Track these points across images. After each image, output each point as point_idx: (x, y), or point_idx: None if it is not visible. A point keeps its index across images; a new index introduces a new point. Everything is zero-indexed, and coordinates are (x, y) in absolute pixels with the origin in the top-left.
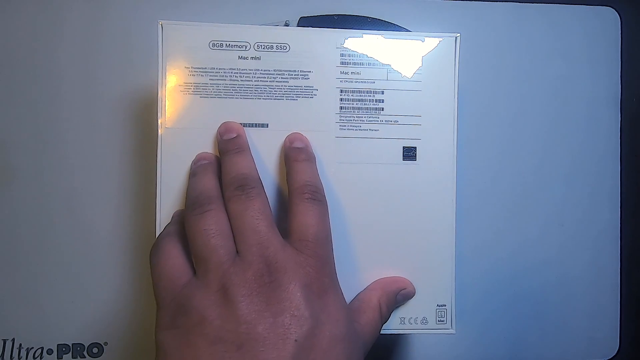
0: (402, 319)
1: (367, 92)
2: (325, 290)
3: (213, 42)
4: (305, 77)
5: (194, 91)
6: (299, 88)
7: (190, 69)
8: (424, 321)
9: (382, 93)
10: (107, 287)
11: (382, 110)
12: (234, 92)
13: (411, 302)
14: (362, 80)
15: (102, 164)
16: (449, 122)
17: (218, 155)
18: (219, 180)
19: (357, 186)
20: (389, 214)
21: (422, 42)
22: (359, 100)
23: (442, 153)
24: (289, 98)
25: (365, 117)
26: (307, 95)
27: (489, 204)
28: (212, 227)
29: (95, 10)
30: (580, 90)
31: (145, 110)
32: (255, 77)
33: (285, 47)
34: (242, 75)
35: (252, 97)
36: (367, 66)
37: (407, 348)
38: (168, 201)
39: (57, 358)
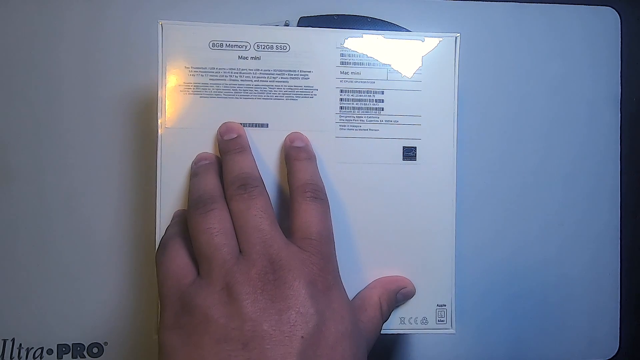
0: (402, 318)
1: (367, 92)
2: (329, 287)
3: (213, 42)
4: (305, 77)
5: (194, 91)
6: (299, 88)
7: (190, 69)
8: (424, 321)
9: (382, 93)
10: (107, 287)
11: (382, 110)
12: (234, 92)
13: (411, 302)
14: (362, 80)
15: (102, 164)
16: (449, 122)
17: (218, 155)
18: (220, 180)
19: (357, 186)
20: (389, 214)
21: (422, 42)
22: (359, 100)
23: (442, 153)
24: (289, 98)
25: (365, 117)
26: (307, 95)
27: (489, 204)
28: (216, 226)
29: (95, 10)
30: (580, 90)
31: (145, 110)
32: (255, 77)
33: (285, 47)
34: (242, 75)
35: (252, 97)
36: (367, 66)
37: (407, 348)
38: (168, 201)
39: (57, 358)
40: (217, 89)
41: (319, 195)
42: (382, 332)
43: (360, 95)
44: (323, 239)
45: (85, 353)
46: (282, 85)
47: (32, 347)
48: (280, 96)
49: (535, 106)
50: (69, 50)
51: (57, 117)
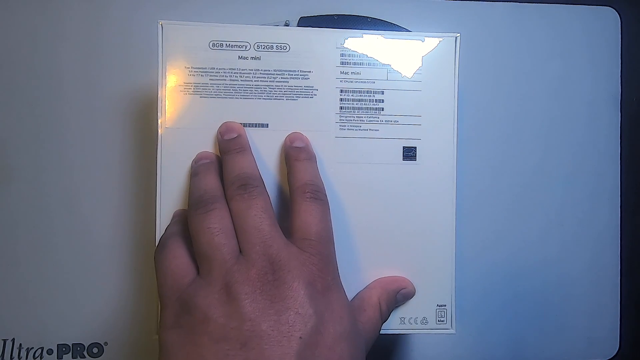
0: (402, 318)
1: (367, 92)
2: (328, 288)
3: (213, 42)
4: (305, 77)
5: (194, 91)
6: (299, 88)
7: (190, 69)
8: (424, 321)
9: (382, 93)
10: (107, 287)
11: (382, 110)
12: (234, 92)
13: (411, 302)
14: (362, 80)
15: (102, 164)
16: (449, 122)
17: (218, 154)
18: (220, 179)
19: (357, 186)
20: (389, 214)
21: (422, 42)
22: (359, 100)
23: (442, 153)
24: (289, 98)
25: (365, 117)
26: (307, 95)
27: (489, 204)
28: (216, 226)
29: (95, 10)
30: (580, 90)
31: (145, 110)
32: (255, 77)
33: (285, 47)
34: (242, 75)
35: (252, 97)
36: (367, 66)
37: (407, 348)
38: (168, 201)
39: (57, 358)
40: (217, 89)
41: (319, 196)
42: (382, 332)
43: (360, 95)
44: (322, 239)
45: (85, 353)
46: (282, 85)
47: (32, 347)
48: (280, 96)
49: (535, 106)
50: (69, 50)
51: (57, 117)
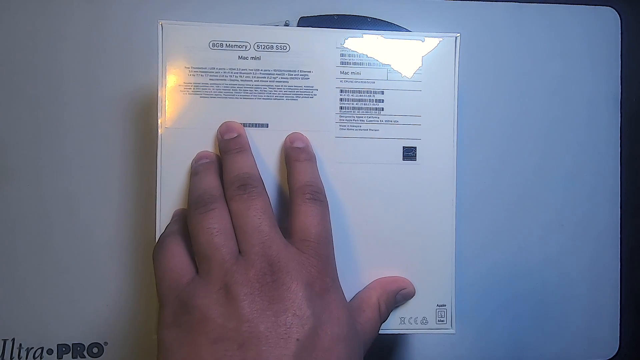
0: (402, 318)
1: (367, 92)
2: (326, 290)
3: (213, 42)
4: (305, 77)
5: (194, 91)
6: (299, 88)
7: (190, 69)
8: (424, 321)
9: (382, 93)
10: (107, 287)
11: (382, 110)
12: (234, 92)
13: (411, 302)
14: (362, 80)
15: (102, 164)
16: (449, 122)
17: (218, 154)
18: (220, 179)
19: (357, 186)
20: (388, 214)
21: (422, 42)
22: (359, 100)
23: (442, 153)
24: (289, 98)
25: (365, 117)
26: (307, 95)
27: (489, 204)
28: (215, 226)
29: (95, 10)
30: (580, 90)
31: (145, 110)
32: (255, 77)
33: (285, 47)
34: (242, 75)
35: (252, 97)
36: (367, 66)
37: (407, 348)
38: (168, 201)
39: (57, 358)
40: (217, 89)
41: (319, 197)
42: (382, 332)
43: (360, 95)
44: (322, 241)
45: (85, 353)
46: (282, 85)
47: (32, 347)
48: (280, 96)
49: (535, 106)
50: (69, 50)
51: (57, 117)
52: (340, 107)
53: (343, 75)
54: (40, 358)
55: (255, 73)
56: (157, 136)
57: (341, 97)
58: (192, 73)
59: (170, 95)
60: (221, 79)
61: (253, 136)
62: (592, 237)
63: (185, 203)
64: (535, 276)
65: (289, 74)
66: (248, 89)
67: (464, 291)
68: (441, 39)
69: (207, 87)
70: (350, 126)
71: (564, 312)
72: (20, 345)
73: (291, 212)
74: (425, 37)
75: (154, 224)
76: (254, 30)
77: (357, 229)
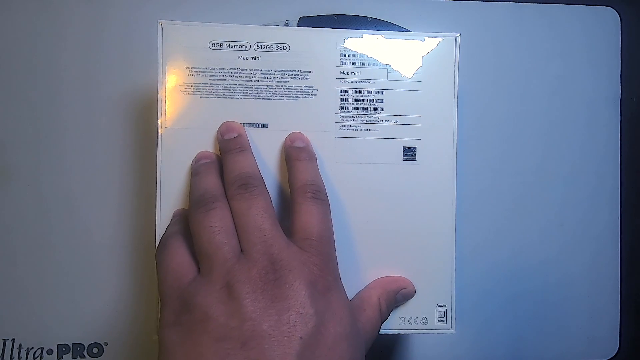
0: (402, 318)
1: (367, 92)
2: (329, 288)
3: (213, 42)
4: (305, 77)
5: (194, 91)
6: (299, 88)
7: (190, 69)
8: (424, 321)
9: (382, 93)
10: (107, 287)
11: (382, 110)
12: (234, 92)
13: (411, 302)
14: (362, 80)
15: (101, 164)
16: (449, 122)
17: (219, 154)
18: (221, 179)
19: (357, 186)
20: (389, 214)
21: (422, 42)
22: (359, 100)
23: (442, 153)
24: (289, 98)
25: (365, 117)
26: (307, 95)
27: (489, 204)
28: (217, 225)
29: (95, 10)
30: (580, 90)
31: (145, 110)
32: (255, 77)
33: (285, 47)
34: (242, 75)
35: (252, 97)
36: (367, 66)
37: (407, 348)
38: (168, 201)
39: (57, 358)
40: (217, 89)
41: (320, 196)
42: (382, 332)
43: (360, 95)
44: (324, 239)
45: (85, 353)
46: (282, 85)
47: (32, 347)
48: (280, 96)
49: (535, 106)
50: (69, 50)
51: (57, 117)
52: (340, 107)
53: (343, 75)
54: (40, 358)
55: (255, 73)
56: (157, 136)
57: (341, 97)
58: (192, 73)
59: (170, 95)
60: (221, 79)
61: (253, 136)
62: (592, 237)
63: (185, 203)
64: (535, 276)
65: (289, 74)
66: (248, 89)
67: (464, 291)
68: (441, 39)
69: (207, 87)
70: (350, 126)
71: (564, 312)
72: (20, 345)
73: (293, 211)
74: (425, 37)
75: (154, 224)
76: (254, 30)
77: (357, 229)
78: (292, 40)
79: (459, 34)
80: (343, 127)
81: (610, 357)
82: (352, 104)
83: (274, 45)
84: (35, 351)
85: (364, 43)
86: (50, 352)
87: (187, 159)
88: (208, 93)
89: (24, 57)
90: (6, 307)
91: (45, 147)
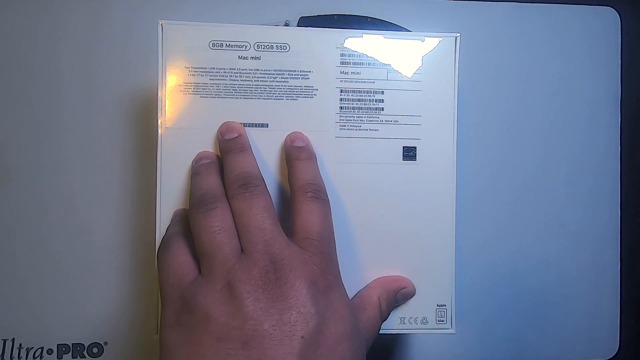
0: (402, 318)
1: (367, 92)
2: (330, 288)
3: (213, 42)
4: (305, 77)
5: (194, 91)
6: (299, 88)
7: (190, 69)
8: (424, 321)
9: (382, 93)
10: (107, 287)
11: (382, 110)
12: (234, 92)
13: (411, 302)
14: (362, 80)
15: (101, 164)
16: (449, 122)
17: (219, 154)
18: (221, 179)
19: (357, 186)
20: (389, 214)
21: (422, 42)
22: (359, 100)
23: (442, 153)
24: (289, 98)
25: (365, 117)
26: (307, 95)
27: (489, 204)
28: (218, 225)
29: (95, 10)
30: (580, 90)
31: (145, 110)
32: (255, 77)
33: (285, 47)
34: (242, 75)
35: (252, 97)
36: (367, 66)
37: (407, 348)
38: (168, 201)
39: (57, 358)
40: (217, 89)
41: (320, 195)
42: (382, 332)
43: (360, 95)
44: (324, 239)
45: (85, 353)
46: (282, 85)
47: (32, 347)
48: (280, 96)
49: (535, 106)
50: (69, 50)
51: (57, 117)
52: (340, 107)
53: (343, 75)
54: (40, 358)
55: (255, 73)
56: (157, 136)
57: (341, 97)
58: (192, 73)
59: (170, 95)
60: (221, 79)
61: (253, 136)
62: (592, 237)
63: (185, 203)
64: (535, 276)
65: (289, 74)
66: (248, 89)
67: (464, 291)
68: (441, 39)
69: (207, 87)
70: (350, 126)
71: (564, 312)
72: (20, 345)
73: (293, 210)
74: (425, 37)
75: (154, 224)
76: (254, 30)
77: (357, 229)
78: (292, 40)
79: (459, 34)
80: (343, 127)
81: (610, 357)
82: (352, 104)
83: (274, 45)
84: (35, 351)
85: (364, 43)
86: (50, 352)
87: (187, 159)
88: (208, 93)
89: (24, 57)
90: (6, 307)
91: (45, 147)
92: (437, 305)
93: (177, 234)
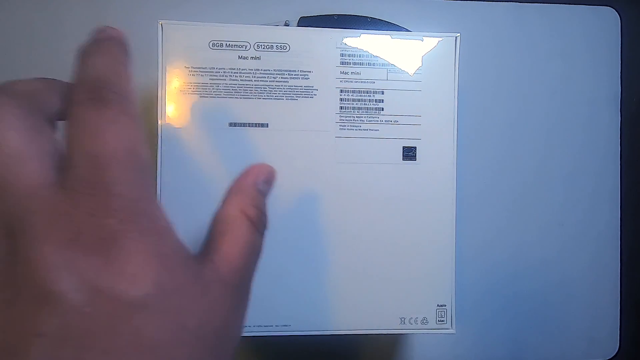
0: (402, 319)
1: (367, 92)
2: (113, 240)
3: (213, 42)
4: (305, 77)
5: (194, 91)
6: (299, 88)
7: (190, 69)
8: (424, 321)
9: (382, 93)
10: None
11: (382, 110)
12: (234, 92)
13: (411, 302)
14: (362, 80)
15: None
16: (449, 122)
17: (216, 153)
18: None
19: (357, 186)
20: (388, 214)
21: (422, 42)
22: (359, 100)
23: (442, 153)
24: (289, 98)
25: (365, 117)
26: (307, 95)
27: (489, 204)
28: None
29: (95, 10)
30: (580, 90)
31: (145, 110)
32: (255, 77)
33: (285, 47)
34: (242, 75)
35: (252, 97)
36: (367, 66)
37: (407, 348)
38: (168, 201)
39: None
40: (217, 89)
41: (107, 95)
42: (382, 332)
43: (360, 95)
44: (102, 162)
45: None
46: (282, 85)
47: None
48: (280, 96)
49: (535, 106)
50: (69, 50)
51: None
52: (340, 107)
53: (343, 75)
54: None
55: (255, 73)
56: (157, 136)
57: (341, 97)
58: (192, 73)
59: (170, 95)
60: (221, 79)
61: (253, 136)
62: (592, 237)
63: (186, 202)
64: (535, 276)
65: (289, 74)
66: (248, 88)
67: (464, 291)
68: (441, 39)
69: (207, 87)
70: (350, 126)
71: (564, 312)
72: None
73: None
74: (425, 37)
75: None
76: (254, 30)
77: (357, 230)
78: (292, 40)
79: (459, 34)
80: (343, 127)
81: (610, 357)
82: (352, 104)
83: (274, 45)
84: None
85: (363, 43)
86: None
87: (187, 159)
88: (208, 93)
89: (23, 57)
90: None
91: None
92: (437, 305)
93: None
